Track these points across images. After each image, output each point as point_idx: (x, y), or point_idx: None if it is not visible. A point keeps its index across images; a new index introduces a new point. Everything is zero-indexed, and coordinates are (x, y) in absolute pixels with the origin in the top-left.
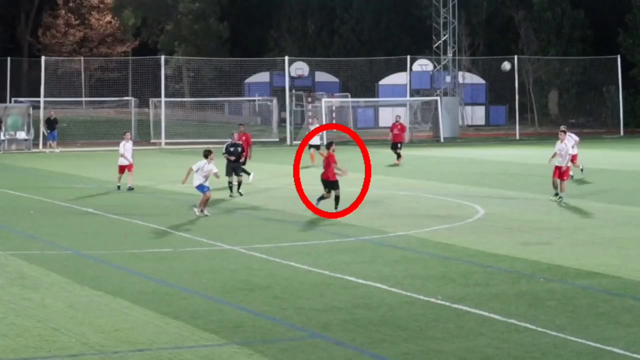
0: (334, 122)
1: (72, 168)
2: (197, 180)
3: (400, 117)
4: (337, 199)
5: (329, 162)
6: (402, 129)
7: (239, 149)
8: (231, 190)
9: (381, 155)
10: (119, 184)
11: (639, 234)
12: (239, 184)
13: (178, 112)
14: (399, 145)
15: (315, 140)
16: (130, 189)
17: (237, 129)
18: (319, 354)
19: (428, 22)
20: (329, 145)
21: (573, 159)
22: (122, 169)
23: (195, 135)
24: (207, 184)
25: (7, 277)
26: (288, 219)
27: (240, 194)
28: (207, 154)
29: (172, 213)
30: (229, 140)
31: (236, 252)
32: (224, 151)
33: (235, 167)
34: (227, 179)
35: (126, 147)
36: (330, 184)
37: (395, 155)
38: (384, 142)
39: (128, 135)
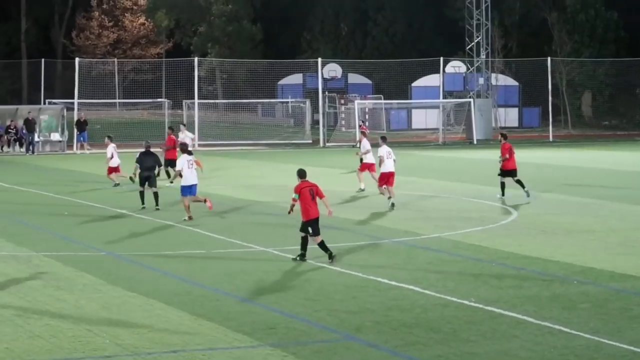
0: (367, 124)
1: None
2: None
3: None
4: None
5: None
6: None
7: (153, 158)
8: (142, 202)
9: (414, 157)
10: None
11: None
12: (156, 197)
13: (211, 113)
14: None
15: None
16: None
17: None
18: (352, 356)
19: (461, 23)
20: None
21: (370, 167)
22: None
23: (228, 137)
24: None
25: (41, 278)
26: (321, 221)
27: (158, 209)
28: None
29: (205, 215)
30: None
31: (269, 254)
32: (136, 160)
33: (149, 177)
34: (139, 189)
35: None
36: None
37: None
38: (417, 144)
39: None
